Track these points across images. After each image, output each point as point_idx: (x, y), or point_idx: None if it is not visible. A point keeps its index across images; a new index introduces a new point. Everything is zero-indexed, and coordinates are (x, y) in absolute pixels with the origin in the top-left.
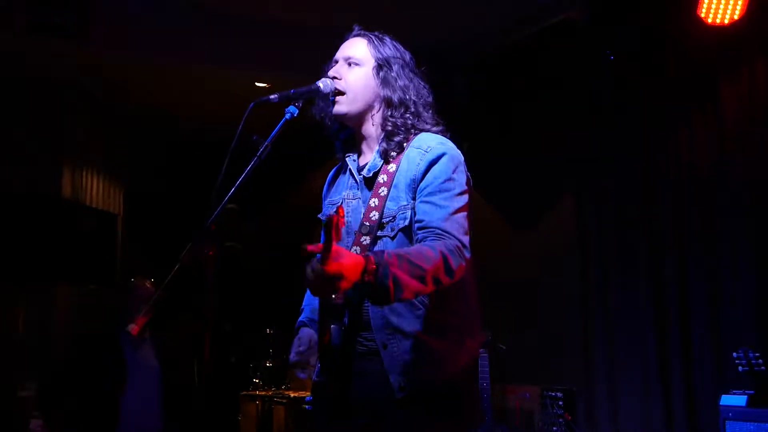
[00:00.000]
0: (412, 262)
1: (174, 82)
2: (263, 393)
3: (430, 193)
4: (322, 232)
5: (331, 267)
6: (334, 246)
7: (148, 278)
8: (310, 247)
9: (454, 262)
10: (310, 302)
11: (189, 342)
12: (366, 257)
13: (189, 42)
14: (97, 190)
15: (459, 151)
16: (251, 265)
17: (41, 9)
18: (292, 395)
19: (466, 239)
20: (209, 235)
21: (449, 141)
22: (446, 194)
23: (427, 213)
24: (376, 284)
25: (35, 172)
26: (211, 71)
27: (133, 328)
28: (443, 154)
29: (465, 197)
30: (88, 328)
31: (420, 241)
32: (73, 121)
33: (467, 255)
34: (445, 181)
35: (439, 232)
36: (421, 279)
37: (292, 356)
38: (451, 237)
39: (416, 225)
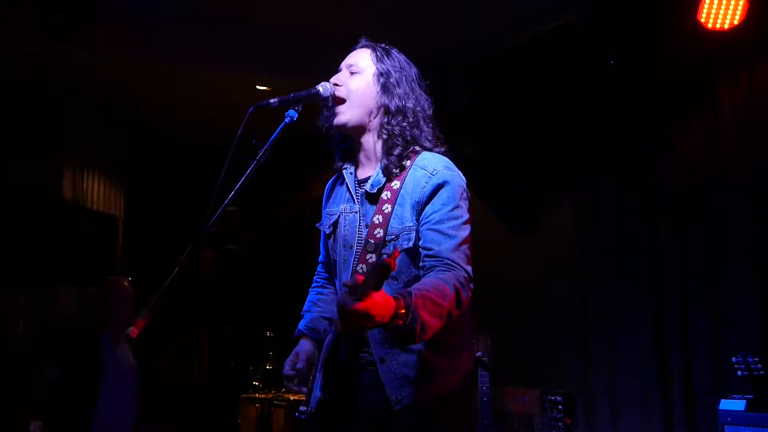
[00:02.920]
0: (434, 302)
1: (174, 84)
2: (263, 396)
3: (439, 221)
4: (321, 238)
5: (368, 307)
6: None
7: (126, 278)
8: (348, 284)
9: (463, 295)
10: (309, 308)
11: (189, 345)
12: (397, 300)
13: (190, 44)
14: (97, 193)
15: (462, 177)
16: (251, 267)
17: (41, 10)
18: (291, 398)
19: (470, 269)
20: (209, 238)
21: (453, 165)
22: (454, 223)
23: (436, 242)
24: (405, 328)
25: (36, 174)
26: (211, 74)
27: (133, 330)
28: (450, 181)
29: (469, 226)
30: (72, 328)
31: (428, 269)
32: (74, 123)
33: (472, 286)
34: (453, 209)
35: (448, 262)
36: (440, 317)
37: (286, 370)
38: (459, 268)
39: (424, 252)
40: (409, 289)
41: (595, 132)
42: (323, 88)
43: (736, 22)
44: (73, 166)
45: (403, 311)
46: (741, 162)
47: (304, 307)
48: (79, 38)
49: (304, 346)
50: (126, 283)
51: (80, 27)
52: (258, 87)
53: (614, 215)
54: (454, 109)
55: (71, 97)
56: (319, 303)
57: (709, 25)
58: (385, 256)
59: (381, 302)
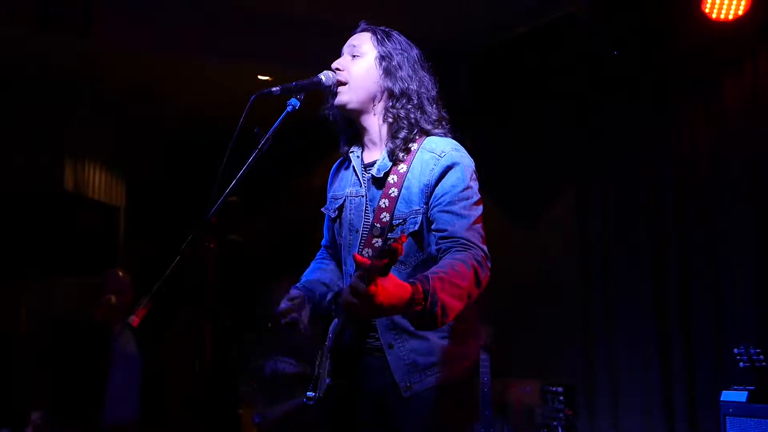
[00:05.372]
0: (453, 283)
1: (176, 74)
2: None
3: (450, 202)
4: (326, 222)
5: (377, 293)
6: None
7: (121, 268)
8: (360, 258)
9: (482, 274)
10: (308, 274)
11: (190, 335)
12: (413, 285)
13: (191, 34)
14: (99, 183)
15: (471, 158)
16: (253, 257)
17: (45, 1)
18: None
19: (486, 248)
20: (210, 227)
21: (462, 147)
22: (465, 203)
23: (449, 223)
24: (425, 313)
25: (37, 166)
26: (213, 63)
27: (134, 319)
28: (458, 162)
29: (481, 206)
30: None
31: (444, 251)
32: (75, 114)
33: (489, 264)
34: (463, 189)
35: (464, 242)
36: (461, 298)
37: (283, 305)
38: (475, 247)
39: (438, 234)
40: (426, 273)
41: (596, 124)
42: (325, 76)
43: (740, 13)
44: (75, 157)
45: (421, 296)
46: (744, 155)
47: (303, 275)
48: (80, 28)
49: (296, 290)
50: (122, 273)
51: (81, 17)
52: (259, 77)
53: (616, 207)
54: (455, 100)
55: (72, 87)
56: (318, 271)
57: (714, 16)
58: (392, 240)
59: (393, 289)
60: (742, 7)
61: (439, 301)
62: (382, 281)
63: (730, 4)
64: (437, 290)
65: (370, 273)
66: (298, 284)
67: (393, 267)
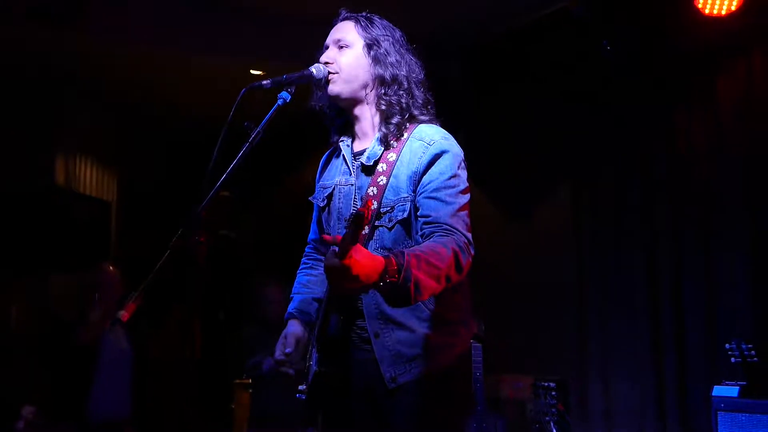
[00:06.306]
0: (429, 263)
1: (168, 69)
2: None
3: (436, 189)
4: (314, 213)
5: (351, 266)
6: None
7: (112, 263)
8: (328, 237)
9: (463, 259)
10: (299, 290)
11: (181, 330)
12: (387, 258)
13: (184, 29)
14: (90, 178)
15: (459, 147)
16: (244, 252)
17: None
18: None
19: (470, 236)
20: (200, 222)
21: (451, 135)
22: (451, 190)
23: (434, 209)
24: (398, 287)
25: (28, 160)
26: (206, 58)
27: (123, 314)
28: (447, 150)
29: (468, 195)
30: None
31: (427, 236)
32: (67, 108)
33: (472, 251)
34: (450, 177)
35: (447, 227)
36: (437, 279)
37: (278, 355)
38: (458, 233)
39: (422, 220)
40: (402, 249)
41: (591, 122)
42: (316, 69)
43: (733, 8)
44: (66, 151)
45: (395, 269)
46: (739, 152)
47: (294, 289)
48: (75, 24)
49: (292, 327)
50: (112, 268)
51: (76, 12)
52: (252, 72)
53: (612, 203)
54: (450, 93)
55: (64, 81)
56: (309, 285)
57: (707, 11)
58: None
59: (365, 261)
60: (734, 3)
61: (413, 277)
62: (354, 253)
63: (723, 0)
64: (412, 266)
65: (342, 245)
66: (292, 310)
67: (382, 254)
